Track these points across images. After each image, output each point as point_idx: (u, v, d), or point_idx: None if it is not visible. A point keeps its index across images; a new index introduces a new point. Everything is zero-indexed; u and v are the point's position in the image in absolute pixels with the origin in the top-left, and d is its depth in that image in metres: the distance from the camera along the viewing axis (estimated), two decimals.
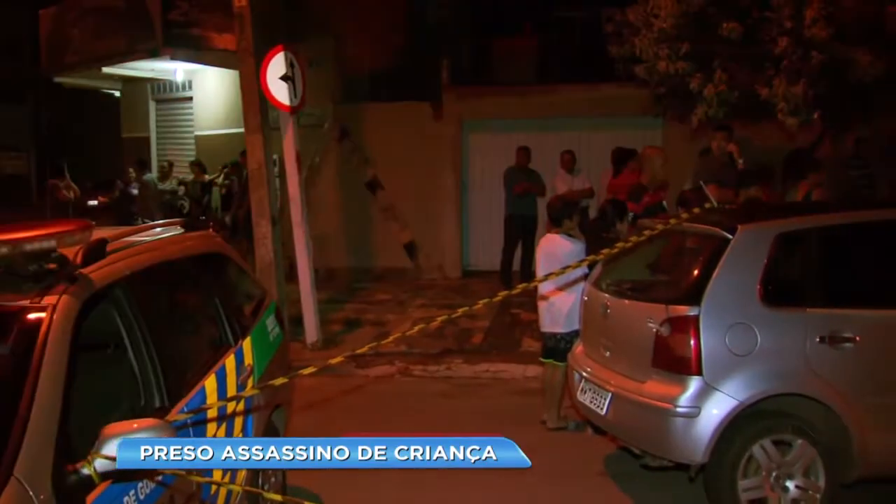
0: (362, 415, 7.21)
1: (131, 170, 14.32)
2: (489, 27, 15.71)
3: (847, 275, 5.08)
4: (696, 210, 5.10)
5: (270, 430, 4.69)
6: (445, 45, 13.74)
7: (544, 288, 6.40)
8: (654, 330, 4.87)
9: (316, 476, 5.57)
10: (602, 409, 5.27)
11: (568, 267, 5.26)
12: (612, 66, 9.18)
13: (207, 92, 14.59)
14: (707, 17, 7.72)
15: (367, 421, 6.97)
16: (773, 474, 4.71)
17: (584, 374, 5.59)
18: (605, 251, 4.67)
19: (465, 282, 12.60)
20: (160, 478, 2.85)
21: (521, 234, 11.37)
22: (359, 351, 3.73)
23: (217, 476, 3.57)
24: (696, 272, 4.95)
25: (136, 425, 2.55)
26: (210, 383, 3.76)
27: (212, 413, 3.59)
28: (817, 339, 4.68)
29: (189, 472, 2.89)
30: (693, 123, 8.30)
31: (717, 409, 4.64)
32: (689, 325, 4.70)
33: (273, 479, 4.69)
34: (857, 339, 4.67)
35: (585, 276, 6.08)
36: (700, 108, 7.87)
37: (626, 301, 5.43)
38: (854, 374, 4.70)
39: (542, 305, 6.55)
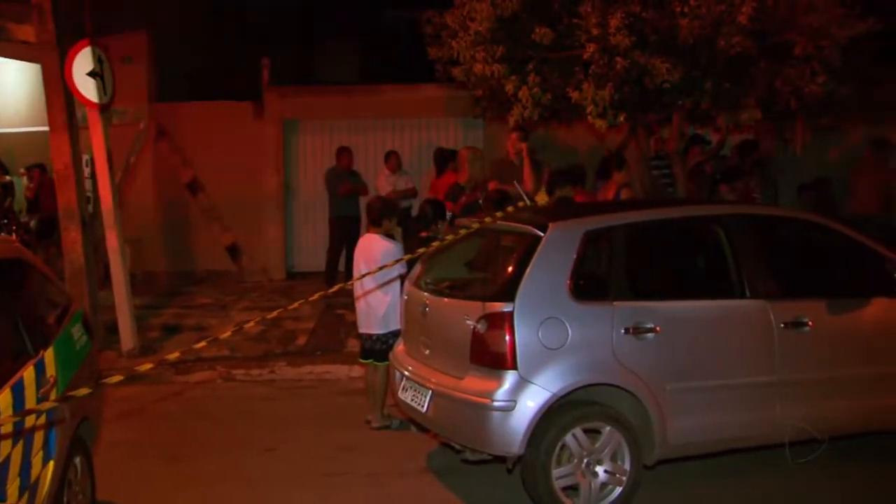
0: (180, 422, 6.98)
1: None
2: (313, 27, 15.59)
3: (649, 269, 5.42)
4: (509, 209, 5.29)
5: (77, 443, 4.46)
6: (268, 44, 13.50)
7: (361, 289, 6.41)
8: (472, 327, 4.98)
9: (125, 490, 5.36)
10: (423, 406, 5.34)
11: (383, 266, 5.34)
12: (434, 68, 9.31)
13: (7, 86, 13.64)
14: (520, 21, 7.96)
15: (186, 429, 6.76)
16: (585, 461, 4.93)
17: (406, 372, 5.65)
18: (421, 250, 4.77)
19: (290, 284, 12.43)
20: None
21: (345, 235, 11.33)
22: (169, 357, 3.62)
23: (12, 497, 3.35)
24: (510, 270, 5.09)
25: None
26: (5, 398, 3.52)
27: (6, 429, 3.36)
28: (623, 331, 4.94)
29: None
30: (510, 124, 8.54)
31: (531, 401, 4.80)
32: (503, 322, 4.84)
33: (80, 497, 4.47)
34: (658, 329, 4.97)
35: (403, 277, 6.14)
36: (516, 110, 8.09)
37: (445, 299, 5.52)
38: (655, 362, 4.99)
39: (359, 306, 6.56)
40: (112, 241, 8.66)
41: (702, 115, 8.53)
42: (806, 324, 5.26)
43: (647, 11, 7.44)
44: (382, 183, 11.27)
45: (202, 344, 3.28)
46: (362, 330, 6.59)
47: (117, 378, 2.98)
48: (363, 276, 5.76)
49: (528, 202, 5.89)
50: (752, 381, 5.21)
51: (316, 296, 3.78)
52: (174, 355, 3.22)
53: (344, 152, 11.65)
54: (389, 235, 6.49)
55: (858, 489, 5.44)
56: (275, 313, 3.47)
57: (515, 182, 6.64)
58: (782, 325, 5.22)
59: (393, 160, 11.47)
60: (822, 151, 12.00)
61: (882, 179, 10.46)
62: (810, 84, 7.36)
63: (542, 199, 7.48)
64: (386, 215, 6.52)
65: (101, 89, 8.28)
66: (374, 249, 6.38)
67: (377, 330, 6.45)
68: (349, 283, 4.63)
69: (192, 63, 13.34)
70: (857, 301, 5.51)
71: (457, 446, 5.28)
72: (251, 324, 3.42)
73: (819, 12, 7.16)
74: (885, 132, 10.97)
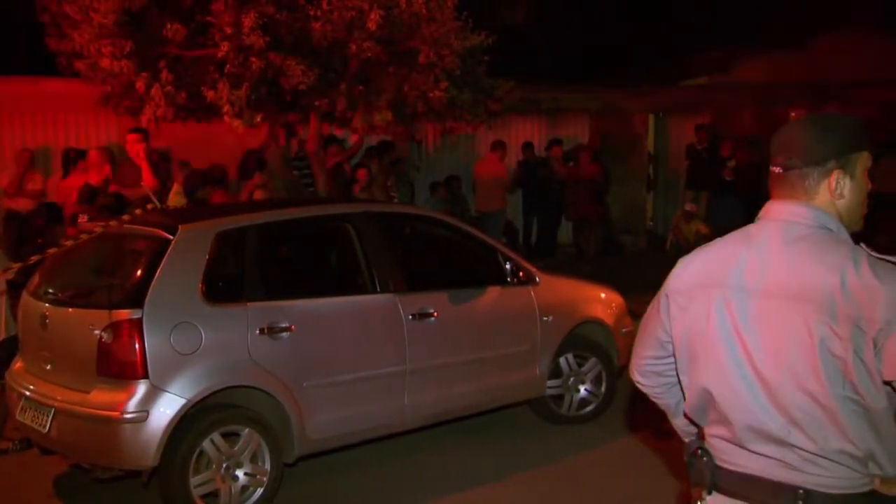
0: None
1: None
2: None
3: (282, 268, 5.48)
4: (137, 212, 5.07)
5: None
6: None
7: None
8: (98, 336, 4.69)
9: None
10: (45, 427, 4.92)
11: None
12: (57, 60, 8.62)
13: None
14: (150, 16, 7.64)
15: None
16: (224, 465, 4.84)
17: (25, 392, 5.17)
18: (35, 258, 4.41)
19: None
20: None
21: None
22: None
23: None
24: (138, 275, 4.86)
25: None
26: None
27: None
28: (258, 332, 4.93)
29: None
30: (143, 122, 8.17)
31: (165, 409, 4.63)
32: (132, 329, 4.62)
33: None
34: (293, 328, 5.04)
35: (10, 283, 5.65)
36: (149, 108, 7.78)
37: (69, 309, 5.15)
38: (291, 360, 5.04)
39: None
40: None
41: (339, 116, 8.79)
42: (431, 314, 5.62)
43: (280, 13, 7.51)
44: None
45: None
46: None
47: None
48: None
49: (157, 204, 5.67)
50: (385, 371, 5.44)
51: None
52: None
53: None
54: None
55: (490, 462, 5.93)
56: None
57: (144, 184, 6.35)
58: (410, 317, 5.52)
59: None
60: (453, 151, 12.95)
61: (501, 177, 11.55)
62: (434, 89, 7.90)
63: (176, 200, 7.24)
64: None
65: None
66: None
67: None
68: None
69: None
70: (475, 290, 5.99)
71: (86, 466, 4.96)
72: None
73: (438, 23, 7.71)
74: (503, 135, 12.11)
